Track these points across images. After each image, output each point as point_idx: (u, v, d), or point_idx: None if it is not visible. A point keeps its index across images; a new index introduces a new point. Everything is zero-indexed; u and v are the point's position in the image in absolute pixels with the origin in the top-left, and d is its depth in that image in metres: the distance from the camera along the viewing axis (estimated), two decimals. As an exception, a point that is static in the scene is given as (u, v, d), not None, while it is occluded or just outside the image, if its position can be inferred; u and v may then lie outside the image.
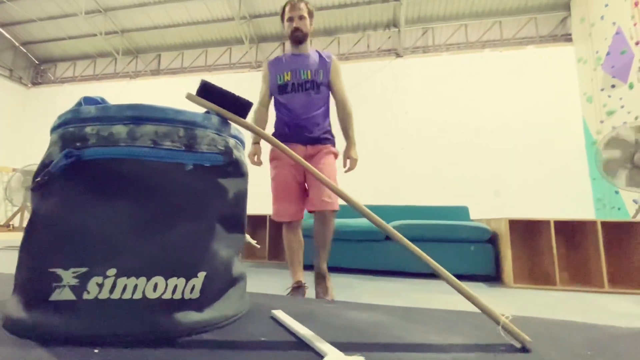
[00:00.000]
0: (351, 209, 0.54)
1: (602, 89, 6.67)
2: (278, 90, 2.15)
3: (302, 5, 2.12)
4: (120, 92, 11.25)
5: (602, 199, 6.77)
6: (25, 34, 11.73)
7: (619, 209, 6.18)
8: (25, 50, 12.26)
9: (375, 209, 4.03)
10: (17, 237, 7.29)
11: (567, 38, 8.03)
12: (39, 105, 12.21)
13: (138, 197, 0.41)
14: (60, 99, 12.04)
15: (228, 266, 0.50)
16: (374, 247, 3.31)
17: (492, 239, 2.99)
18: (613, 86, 6.40)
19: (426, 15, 9.14)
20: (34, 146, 11.86)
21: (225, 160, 0.48)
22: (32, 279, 0.40)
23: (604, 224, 2.97)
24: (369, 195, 8.03)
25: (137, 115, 0.43)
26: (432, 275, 2.94)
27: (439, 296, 2.52)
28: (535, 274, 2.98)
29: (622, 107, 6.14)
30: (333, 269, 2.81)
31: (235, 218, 0.53)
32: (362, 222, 3.27)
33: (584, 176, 7.28)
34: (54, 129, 0.47)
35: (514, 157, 7.80)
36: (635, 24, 5.88)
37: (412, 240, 2.71)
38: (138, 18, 10.60)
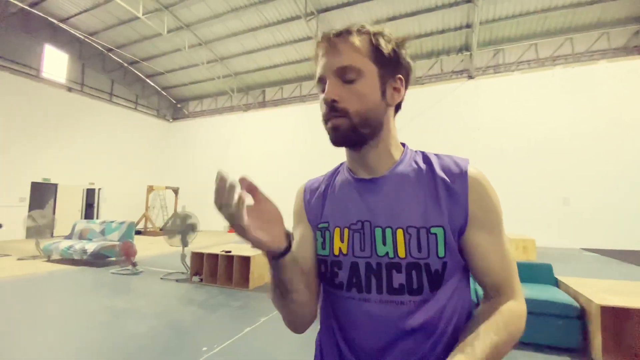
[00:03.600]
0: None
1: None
2: (321, 272, 0.68)
3: (351, 41, 0.61)
4: (236, 122, 14.40)
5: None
6: (165, 82, 15.53)
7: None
8: (166, 94, 16.24)
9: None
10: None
11: (642, 49, 8.44)
12: (178, 135, 16.08)
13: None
14: (193, 129, 15.72)
15: None
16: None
17: (581, 313, 2.66)
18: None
19: (497, 37, 10.15)
20: (176, 169, 15.73)
21: None
22: None
23: None
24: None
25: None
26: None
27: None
28: (624, 349, 2.59)
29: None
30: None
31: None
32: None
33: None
34: None
35: (584, 174, 8.48)
36: None
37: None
38: (246, 63, 13.42)
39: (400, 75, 0.64)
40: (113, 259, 6.19)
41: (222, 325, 3.16)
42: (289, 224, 0.53)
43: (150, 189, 12.67)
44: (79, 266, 5.88)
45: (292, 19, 10.50)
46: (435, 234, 0.58)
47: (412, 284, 0.57)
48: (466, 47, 10.55)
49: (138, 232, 11.59)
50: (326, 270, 0.66)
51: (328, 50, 0.62)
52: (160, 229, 13.11)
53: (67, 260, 6.35)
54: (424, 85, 10.97)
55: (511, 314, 0.57)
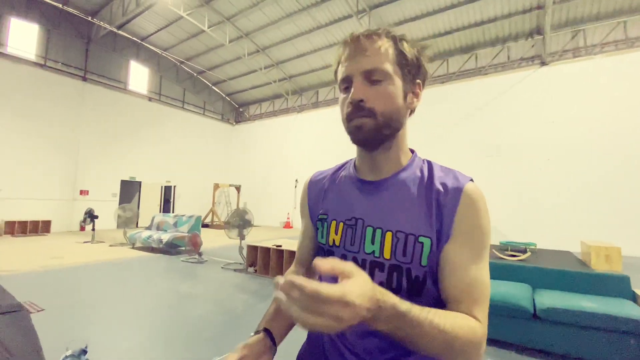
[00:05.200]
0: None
1: None
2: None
3: (378, 44, 0.62)
4: (291, 123, 14.95)
5: None
6: (228, 88, 16.72)
7: None
8: (229, 99, 17.53)
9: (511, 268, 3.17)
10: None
11: None
12: (240, 137, 17.25)
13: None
14: (253, 131, 16.72)
15: None
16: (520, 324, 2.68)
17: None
18: None
19: (576, 17, 8.96)
20: (238, 168, 16.90)
21: None
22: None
23: None
24: (508, 226, 8.76)
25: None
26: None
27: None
28: None
29: None
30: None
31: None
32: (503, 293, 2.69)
33: None
34: None
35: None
36: None
37: (560, 324, 2.40)
38: (300, 66, 13.80)
39: (419, 80, 0.66)
40: (183, 248, 6.94)
41: (271, 314, 3.37)
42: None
43: (216, 186, 13.83)
44: (156, 253, 6.71)
45: (344, 18, 10.55)
46: (422, 243, 0.59)
47: (391, 283, 0.60)
48: (537, 31, 9.52)
49: (205, 226, 12.74)
50: (323, 256, 0.68)
51: (356, 52, 0.62)
52: (224, 223, 14.20)
53: (147, 248, 7.28)
54: (488, 76, 10.16)
55: (467, 321, 0.51)
